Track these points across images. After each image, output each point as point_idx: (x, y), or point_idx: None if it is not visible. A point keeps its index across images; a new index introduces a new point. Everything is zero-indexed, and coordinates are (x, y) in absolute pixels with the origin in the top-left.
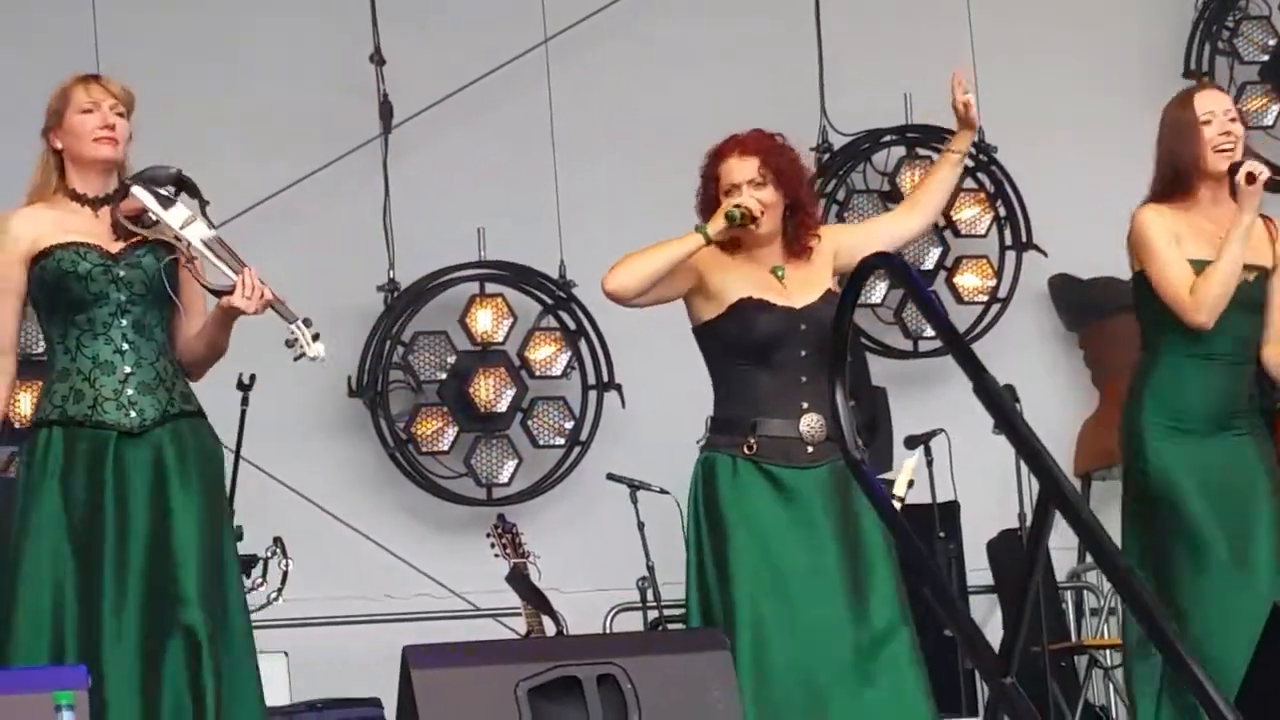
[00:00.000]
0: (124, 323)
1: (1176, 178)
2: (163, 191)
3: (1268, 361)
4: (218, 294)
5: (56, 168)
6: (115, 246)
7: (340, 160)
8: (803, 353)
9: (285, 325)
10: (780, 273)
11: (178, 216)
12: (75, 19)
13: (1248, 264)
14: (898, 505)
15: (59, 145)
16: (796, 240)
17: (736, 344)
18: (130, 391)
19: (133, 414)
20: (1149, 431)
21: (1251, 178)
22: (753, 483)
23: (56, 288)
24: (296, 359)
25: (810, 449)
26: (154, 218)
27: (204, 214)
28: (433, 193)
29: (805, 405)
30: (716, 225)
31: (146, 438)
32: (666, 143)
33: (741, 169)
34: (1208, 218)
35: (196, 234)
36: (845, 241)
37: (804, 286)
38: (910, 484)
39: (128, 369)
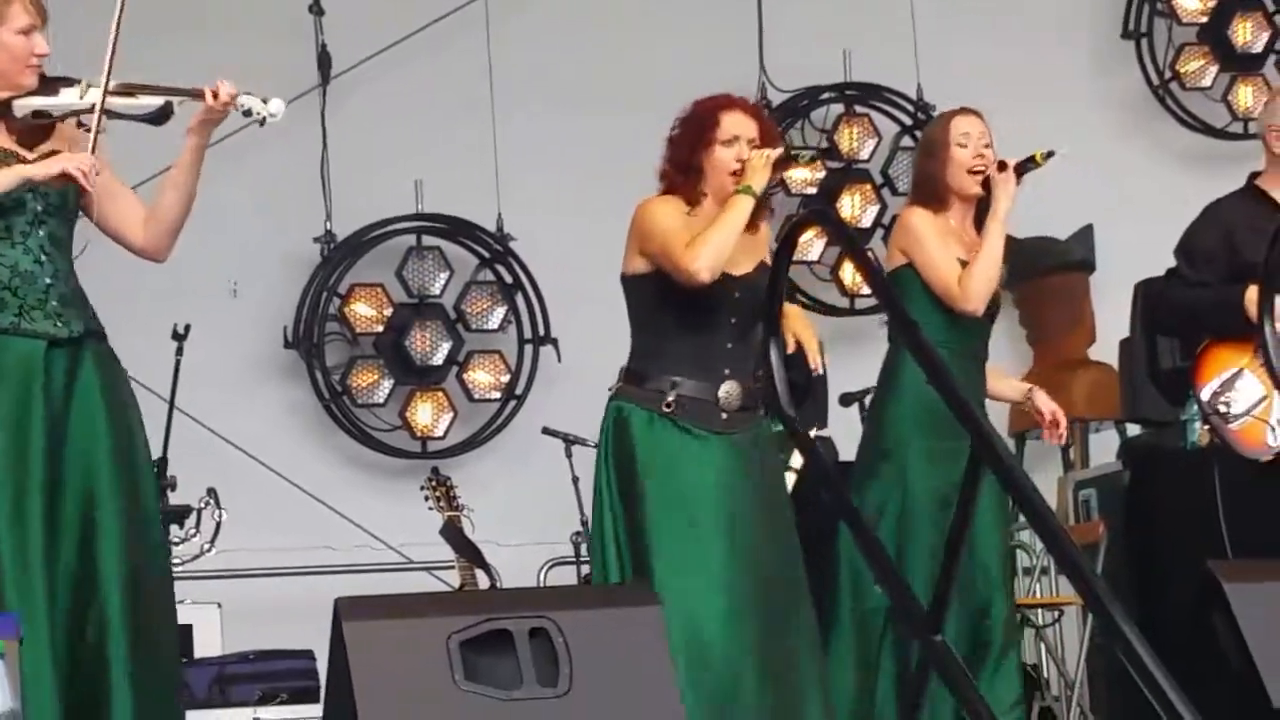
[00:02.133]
0: (40, 234)
1: (932, 191)
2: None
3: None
4: (154, 120)
5: None
6: (30, 156)
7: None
8: (732, 319)
9: (242, 109)
10: None
11: (71, 93)
12: None
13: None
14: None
15: None
16: (760, 214)
17: (666, 299)
18: (54, 303)
19: (59, 324)
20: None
21: (1003, 165)
22: (668, 439)
23: None
24: (261, 124)
25: (724, 415)
26: (47, 109)
27: (106, 79)
28: (370, 144)
29: (727, 372)
30: (761, 179)
31: (70, 350)
32: (606, 97)
33: (747, 125)
34: (961, 227)
35: (96, 94)
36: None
37: (744, 255)
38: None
39: (48, 280)
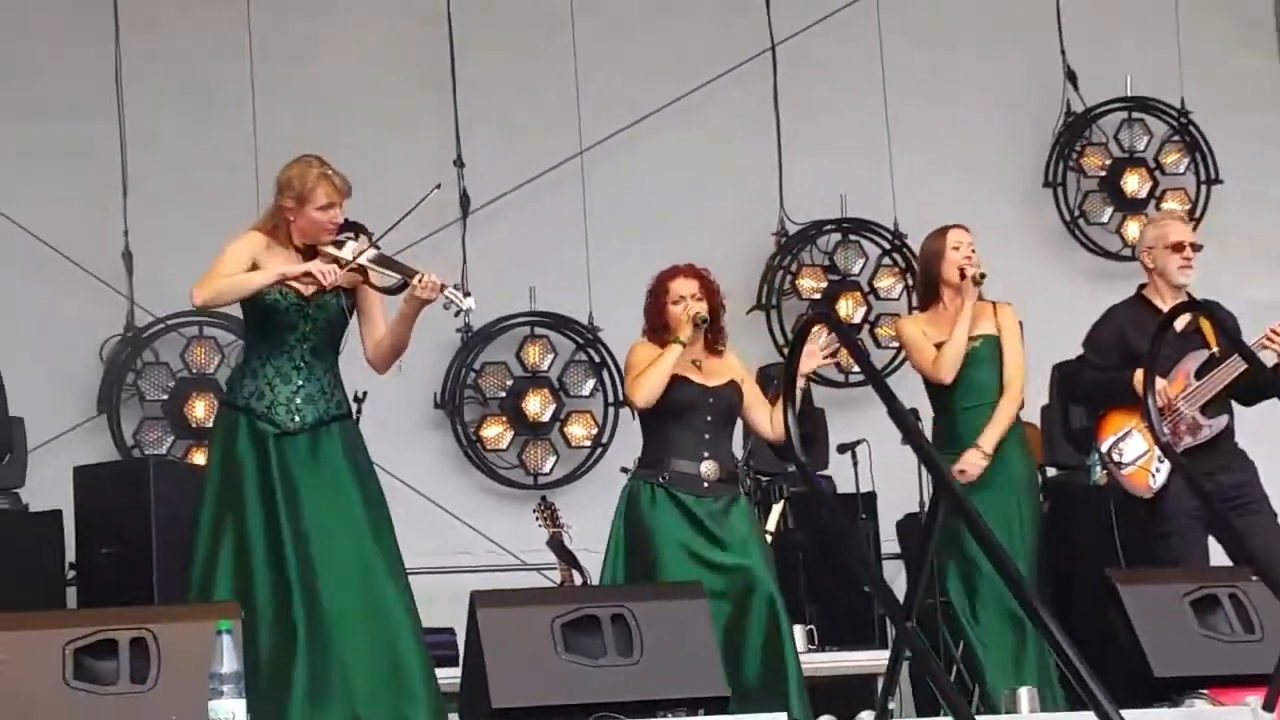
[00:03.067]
0: (305, 347)
1: (929, 286)
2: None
3: None
4: (391, 291)
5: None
6: (309, 292)
7: (427, 238)
8: (708, 418)
9: (444, 301)
10: (699, 363)
11: (350, 250)
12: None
13: (973, 334)
14: (769, 537)
15: (291, 218)
16: (714, 342)
17: (663, 405)
18: (298, 400)
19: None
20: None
21: (962, 274)
22: (664, 502)
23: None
24: (456, 314)
25: (706, 484)
26: (332, 253)
27: (371, 244)
28: (497, 260)
29: (706, 454)
30: (686, 333)
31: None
32: (669, 226)
33: (688, 286)
34: (951, 315)
35: (365, 256)
36: (749, 385)
37: (715, 375)
38: (779, 525)
39: (300, 381)
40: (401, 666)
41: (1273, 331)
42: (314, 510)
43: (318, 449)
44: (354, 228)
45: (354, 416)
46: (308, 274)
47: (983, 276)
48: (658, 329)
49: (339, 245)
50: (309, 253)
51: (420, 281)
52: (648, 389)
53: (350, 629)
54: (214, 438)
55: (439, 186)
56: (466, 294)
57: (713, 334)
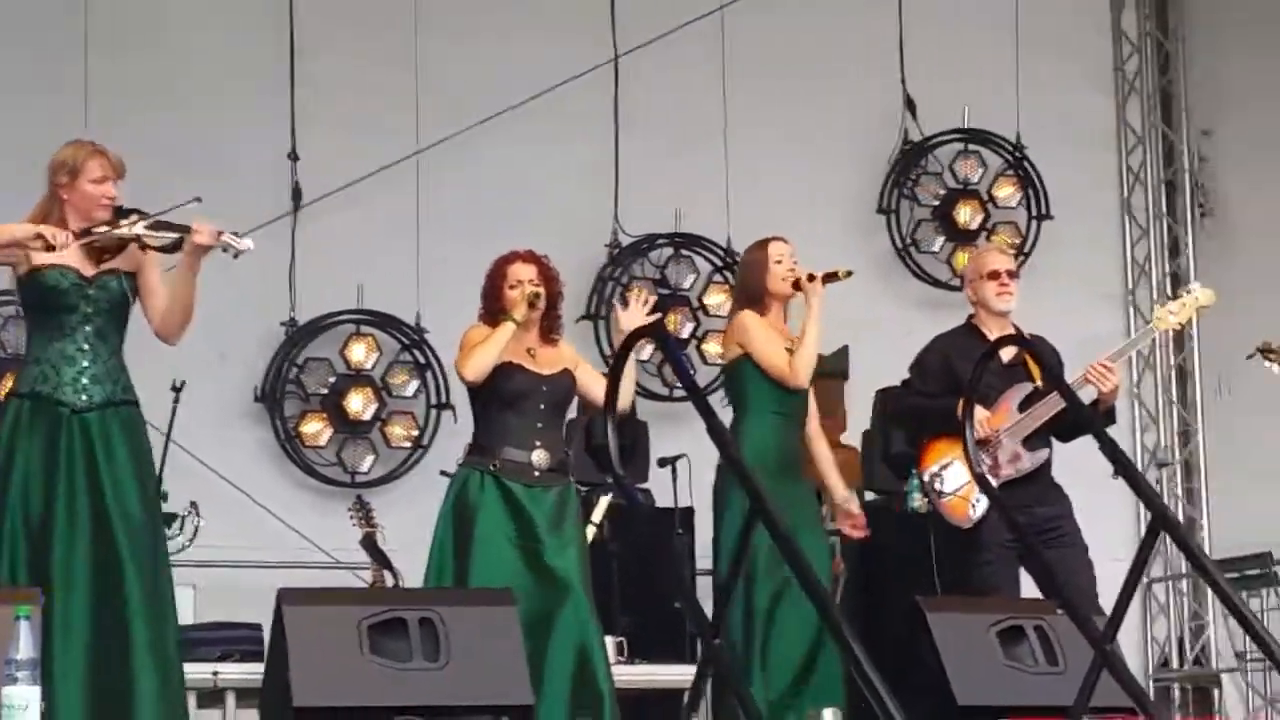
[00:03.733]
0: (87, 329)
1: (752, 296)
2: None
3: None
4: (170, 249)
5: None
6: (91, 272)
7: (258, 229)
8: (541, 406)
9: (222, 245)
10: (533, 351)
11: (125, 224)
12: None
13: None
14: (591, 532)
15: (65, 196)
16: (549, 330)
17: (496, 393)
18: (84, 380)
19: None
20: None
21: (812, 277)
22: (492, 490)
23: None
24: (235, 257)
25: (537, 473)
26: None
27: (140, 214)
28: (326, 257)
29: (538, 443)
30: (520, 312)
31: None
32: (502, 232)
33: (526, 271)
34: (777, 321)
35: (140, 225)
36: (583, 369)
37: (549, 364)
38: (601, 527)
39: (85, 363)
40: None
41: (1093, 367)
42: (106, 489)
43: (107, 429)
44: (130, 211)
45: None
46: (39, 235)
47: (847, 274)
48: (494, 312)
49: (114, 223)
50: (85, 236)
51: (196, 228)
52: (478, 364)
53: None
54: (1, 426)
55: (198, 200)
56: (245, 236)
57: (549, 322)
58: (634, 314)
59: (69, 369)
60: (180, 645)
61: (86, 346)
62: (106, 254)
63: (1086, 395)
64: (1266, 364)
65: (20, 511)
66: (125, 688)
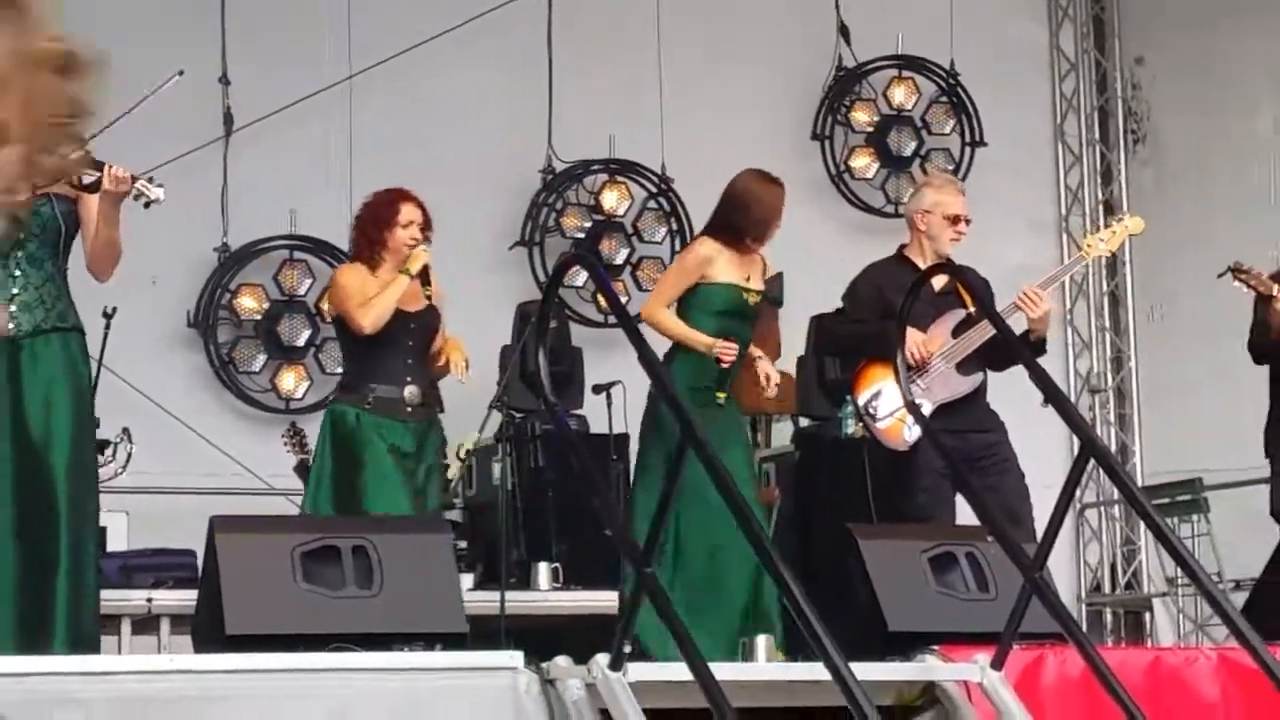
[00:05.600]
0: (19, 254)
1: (734, 226)
2: None
3: None
4: (89, 189)
5: None
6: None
7: (189, 153)
8: (410, 343)
9: (135, 192)
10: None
11: None
12: None
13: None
14: (456, 468)
15: None
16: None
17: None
18: (13, 308)
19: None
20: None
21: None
22: (369, 428)
23: None
24: (147, 206)
25: (409, 409)
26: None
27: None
28: (258, 182)
29: (408, 379)
30: (416, 267)
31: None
32: (435, 158)
33: (416, 213)
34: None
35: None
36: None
37: (415, 300)
38: (468, 457)
39: (14, 290)
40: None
41: (1023, 294)
42: (33, 419)
43: (36, 359)
44: None
45: (83, 331)
46: None
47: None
48: (374, 246)
49: None
50: None
51: (110, 174)
52: (377, 317)
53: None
54: None
55: (181, 73)
56: (159, 185)
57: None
58: None
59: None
60: (99, 572)
61: (18, 273)
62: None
63: (1017, 322)
64: (1235, 284)
65: None
66: (46, 602)
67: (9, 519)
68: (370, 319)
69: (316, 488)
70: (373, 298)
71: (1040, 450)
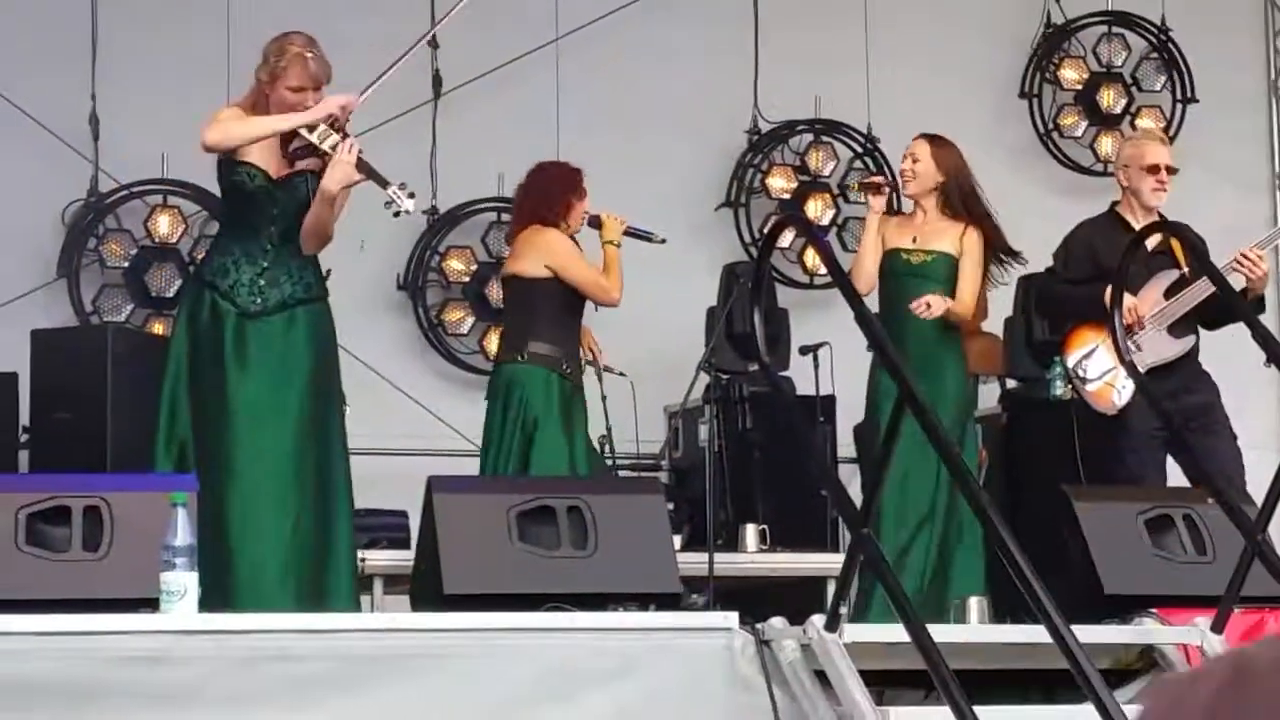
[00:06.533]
0: (272, 230)
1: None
2: None
3: None
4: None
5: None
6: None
7: (398, 117)
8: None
9: (381, 191)
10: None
11: (318, 133)
12: None
13: (929, 249)
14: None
15: (268, 93)
16: None
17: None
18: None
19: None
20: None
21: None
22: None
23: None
24: (395, 215)
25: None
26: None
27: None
28: (467, 145)
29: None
30: (618, 235)
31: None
32: (642, 119)
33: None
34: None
35: (329, 143)
36: None
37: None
38: None
39: (265, 264)
40: (330, 551)
41: (1242, 255)
42: (257, 395)
43: (281, 334)
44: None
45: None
46: (330, 115)
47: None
48: (555, 213)
49: (310, 128)
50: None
51: (347, 149)
52: (620, 288)
53: (261, 518)
54: (179, 309)
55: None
56: (411, 194)
57: None
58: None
59: (249, 268)
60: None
61: (270, 247)
62: (299, 157)
63: (1233, 284)
64: None
65: (190, 400)
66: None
67: (293, 493)
68: (619, 293)
69: (496, 449)
70: (607, 274)
71: (1253, 413)
